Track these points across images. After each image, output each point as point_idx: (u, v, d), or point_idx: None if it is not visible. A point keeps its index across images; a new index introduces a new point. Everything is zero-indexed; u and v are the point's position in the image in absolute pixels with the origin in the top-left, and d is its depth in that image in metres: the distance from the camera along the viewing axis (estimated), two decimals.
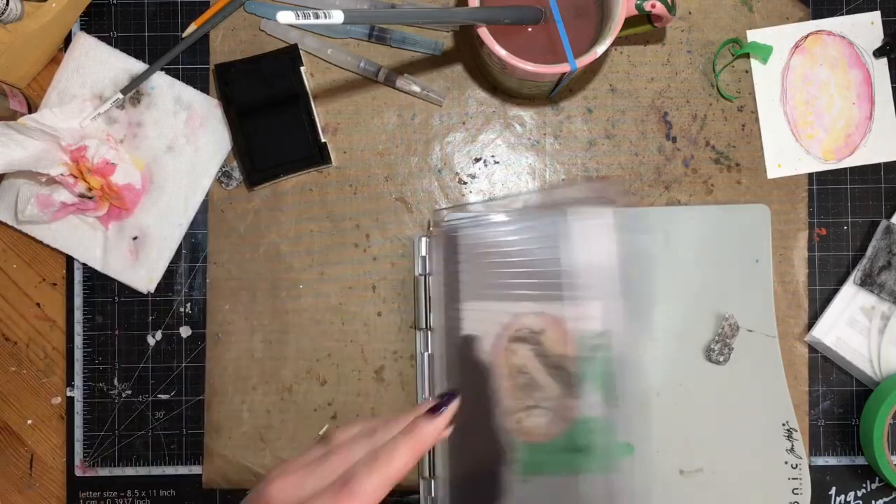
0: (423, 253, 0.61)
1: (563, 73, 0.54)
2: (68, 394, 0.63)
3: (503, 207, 0.61)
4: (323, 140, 0.62)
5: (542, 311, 0.62)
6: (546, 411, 0.61)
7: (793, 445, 0.61)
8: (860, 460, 0.63)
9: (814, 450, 0.63)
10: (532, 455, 0.61)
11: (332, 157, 0.63)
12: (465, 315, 0.61)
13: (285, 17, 0.42)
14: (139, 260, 0.63)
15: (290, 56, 0.62)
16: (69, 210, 0.62)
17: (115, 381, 0.63)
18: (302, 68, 0.62)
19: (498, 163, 0.64)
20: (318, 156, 0.62)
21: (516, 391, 0.61)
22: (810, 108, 0.64)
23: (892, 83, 0.64)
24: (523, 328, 0.62)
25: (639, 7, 0.54)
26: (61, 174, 0.59)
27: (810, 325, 0.63)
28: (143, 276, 0.63)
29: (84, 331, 0.63)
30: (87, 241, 0.63)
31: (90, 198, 0.61)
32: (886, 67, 0.64)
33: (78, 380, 0.63)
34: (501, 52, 0.53)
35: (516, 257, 0.62)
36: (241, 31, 0.64)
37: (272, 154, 0.62)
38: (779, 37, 0.64)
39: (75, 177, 0.60)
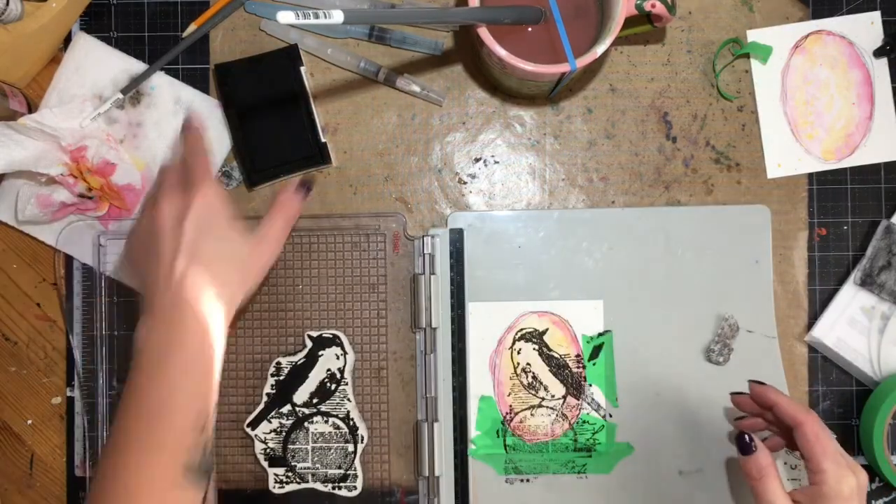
0: (424, 252, 0.61)
1: (563, 73, 0.54)
2: (68, 394, 0.63)
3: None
4: (323, 140, 0.62)
5: (546, 310, 0.62)
6: (549, 411, 0.62)
7: None
8: (860, 460, 0.63)
9: None
10: (534, 454, 0.61)
11: (332, 157, 0.63)
12: (469, 314, 0.61)
13: (285, 17, 0.42)
14: None
15: (290, 56, 0.62)
16: (69, 210, 0.62)
17: (114, 382, 0.63)
18: (302, 68, 0.62)
19: (498, 163, 0.64)
20: (318, 156, 0.62)
21: (520, 390, 0.62)
22: (810, 108, 0.64)
23: (892, 83, 0.64)
24: (527, 327, 0.62)
25: (639, 7, 0.54)
26: (61, 174, 0.59)
27: (810, 325, 0.63)
28: None
29: (84, 331, 0.63)
30: (87, 241, 0.63)
31: (90, 198, 0.61)
32: (886, 67, 0.64)
33: (78, 380, 0.63)
34: (501, 52, 0.53)
35: (522, 257, 0.62)
36: (241, 31, 0.64)
37: (272, 154, 0.62)
38: (779, 37, 0.64)
39: (75, 177, 0.60)
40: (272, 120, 0.62)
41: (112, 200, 0.62)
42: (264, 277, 0.53)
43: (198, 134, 0.54)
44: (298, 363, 0.62)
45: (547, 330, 0.62)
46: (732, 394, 0.57)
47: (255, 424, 0.62)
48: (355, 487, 0.61)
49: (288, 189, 0.55)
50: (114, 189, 0.61)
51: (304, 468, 0.62)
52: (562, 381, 0.62)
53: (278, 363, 0.62)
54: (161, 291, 0.49)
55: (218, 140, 0.63)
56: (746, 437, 0.52)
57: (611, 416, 0.61)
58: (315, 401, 0.62)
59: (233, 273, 0.51)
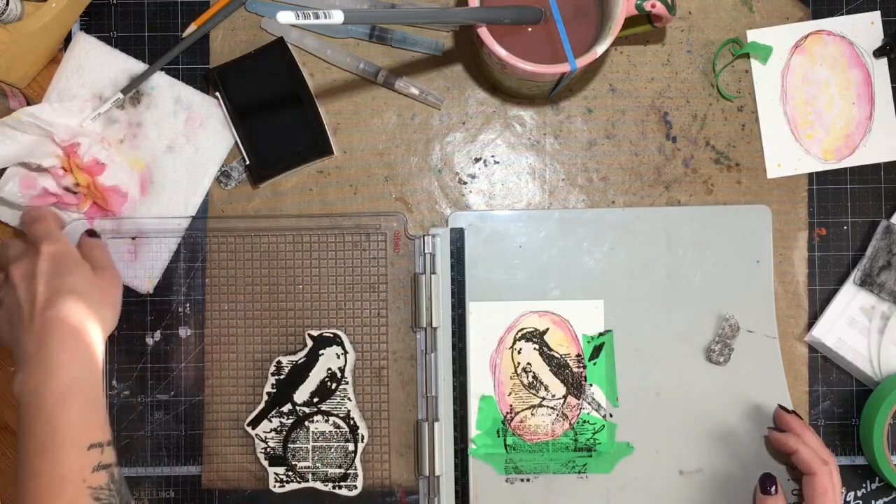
0: (424, 252, 0.61)
1: (563, 73, 0.54)
2: None
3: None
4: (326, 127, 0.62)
5: (546, 310, 0.62)
6: (549, 410, 0.62)
7: None
8: (860, 460, 0.63)
9: None
10: (534, 454, 0.61)
11: (333, 147, 0.63)
12: (470, 314, 0.61)
13: (285, 17, 0.42)
14: (138, 260, 0.63)
15: (279, 51, 0.62)
16: (50, 199, 0.61)
17: (114, 382, 0.63)
18: (299, 64, 0.62)
19: (498, 163, 0.64)
20: (322, 147, 0.62)
21: (521, 390, 0.62)
22: (810, 108, 0.64)
23: (892, 83, 0.64)
24: (528, 327, 0.62)
25: (639, 7, 0.54)
26: (52, 166, 0.59)
27: (810, 325, 0.63)
28: (143, 276, 0.63)
29: None
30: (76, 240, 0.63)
31: (74, 192, 0.61)
32: (886, 67, 0.64)
33: None
34: (501, 52, 0.53)
35: (522, 257, 0.62)
36: (241, 31, 0.64)
37: (277, 149, 0.62)
38: (779, 37, 0.64)
39: (66, 169, 0.60)
40: (272, 115, 0.62)
41: (96, 199, 0.62)
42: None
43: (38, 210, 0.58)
44: (299, 362, 0.62)
45: (547, 330, 0.62)
46: (770, 429, 0.59)
47: (255, 423, 0.62)
48: (355, 487, 0.61)
49: (84, 240, 0.59)
50: (99, 189, 0.61)
51: (305, 467, 0.62)
52: (562, 381, 0.62)
53: (279, 362, 0.62)
54: (27, 338, 0.51)
55: (218, 140, 0.63)
56: (769, 481, 0.57)
57: (611, 415, 0.61)
58: (315, 400, 0.62)
59: (94, 294, 0.54)
